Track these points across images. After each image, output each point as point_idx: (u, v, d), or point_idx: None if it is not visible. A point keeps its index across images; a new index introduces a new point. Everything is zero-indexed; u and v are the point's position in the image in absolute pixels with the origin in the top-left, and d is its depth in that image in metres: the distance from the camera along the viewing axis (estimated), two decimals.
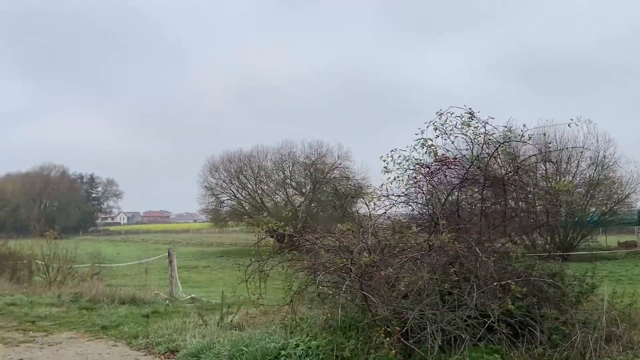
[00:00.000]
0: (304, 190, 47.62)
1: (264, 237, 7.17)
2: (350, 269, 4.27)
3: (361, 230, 4.88)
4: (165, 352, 6.03)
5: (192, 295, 13.54)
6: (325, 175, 46.37)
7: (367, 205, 6.54)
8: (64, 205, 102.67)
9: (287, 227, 6.13)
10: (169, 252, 15.05)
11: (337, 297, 4.85)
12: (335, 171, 46.44)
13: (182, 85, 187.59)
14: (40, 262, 15.44)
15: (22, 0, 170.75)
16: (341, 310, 4.70)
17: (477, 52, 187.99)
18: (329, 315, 5.03)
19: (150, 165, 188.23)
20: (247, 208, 47.71)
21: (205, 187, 48.57)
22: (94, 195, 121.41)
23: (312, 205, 46.37)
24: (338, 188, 44.55)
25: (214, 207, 49.47)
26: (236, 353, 5.00)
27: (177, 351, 5.96)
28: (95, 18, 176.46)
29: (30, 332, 7.56)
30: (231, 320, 7.04)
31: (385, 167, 6.41)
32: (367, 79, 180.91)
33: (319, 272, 4.57)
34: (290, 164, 47.25)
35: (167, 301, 11.91)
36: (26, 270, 15.85)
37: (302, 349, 4.60)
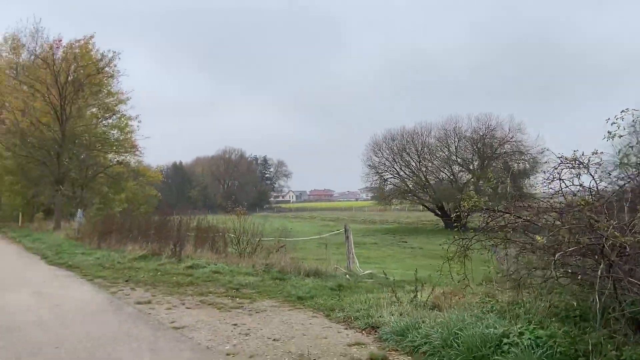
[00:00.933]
0: (471, 167, 45.26)
1: (463, 212, 6.61)
2: (602, 251, 3.58)
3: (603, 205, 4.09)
4: (366, 328, 5.96)
5: (370, 271, 13.59)
6: (494, 151, 43.37)
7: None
8: (243, 184, 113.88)
9: (490, 203, 5.52)
10: (345, 228, 15.31)
11: (573, 281, 4.17)
12: (506, 145, 43.12)
13: (339, 65, 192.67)
14: (232, 235, 17.07)
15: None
16: (574, 296, 4.03)
17: None
18: (556, 301, 4.38)
19: (314, 146, 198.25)
20: (410, 186, 47.09)
21: (369, 165, 49.14)
22: (267, 175, 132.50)
23: (480, 182, 43.85)
24: (510, 163, 41.31)
25: (377, 185, 49.86)
26: (449, 336, 4.66)
27: (378, 327, 5.85)
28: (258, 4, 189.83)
29: (237, 299, 8.21)
30: (427, 299, 6.72)
31: (611, 133, 5.34)
32: (538, 41, 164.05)
33: (555, 254, 3.93)
34: (456, 140, 45.20)
35: (347, 276, 12.11)
36: (222, 242, 17.69)
37: (529, 339, 4.05)
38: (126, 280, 9.97)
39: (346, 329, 6.10)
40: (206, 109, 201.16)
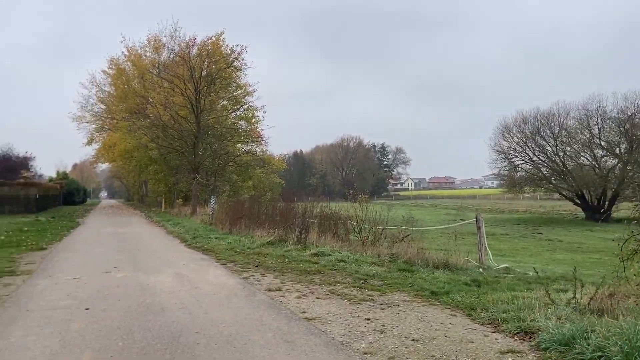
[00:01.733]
0: (617, 151, 40.19)
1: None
2: None
3: None
4: (518, 333, 5.23)
5: (506, 265, 12.48)
6: None
7: None
8: (361, 172, 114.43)
9: None
10: (477, 218, 14.28)
11: None
12: None
13: (462, 47, 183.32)
14: (353, 223, 16.88)
15: None
16: None
17: None
18: None
19: (434, 131, 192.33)
20: (545, 173, 43.22)
21: (497, 151, 46.07)
22: (385, 162, 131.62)
23: (628, 168, 38.84)
24: None
25: (506, 171, 46.57)
26: (633, 352, 3.81)
27: (533, 333, 5.09)
28: None
29: (366, 290, 7.88)
30: (589, 302, 5.75)
31: None
32: None
33: None
34: (599, 121, 40.37)
35: (481, 269, 11.20)
36: (343, 230, 17.60)
37: None
38: (256, 266, 10.19)
39: (493, 332, 5.42)
40: (325, 98, 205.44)
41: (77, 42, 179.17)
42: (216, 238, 15.26)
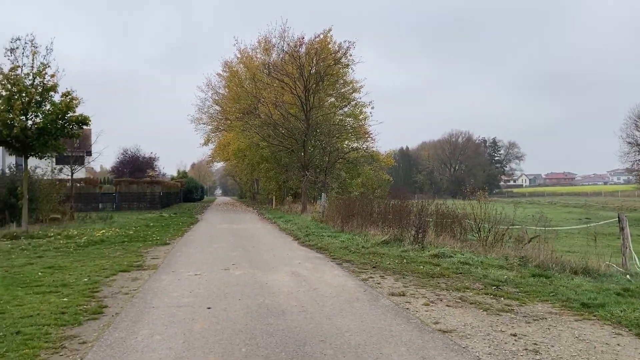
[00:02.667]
0: None
1: None
2: None
3: None
4: None
5: None
6: None
7: None
8: (470, 168, 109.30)
9: None
10: (619, 218, 12.44)
11: None
12: None
13: (578, 34, 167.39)
14: (471, 222, 15.67)
15: None
16: None
17: None
18: None
19: (550, 125, 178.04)
20: None
21: (629, 142, 41.08)
22: (496, 158, 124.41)
23: None
24: None
25: None
26: None
27: None
28: None
29: (502, 299, 6.96)
30: None
31: None
32: None
33: None
34: None
35: (627, 276, 9.59)
36: (460, 229, 16.43)
37: None
38: (373, 267, 9.63)
39: None
40: (430, 93, 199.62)
41: (196, 50, 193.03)
42: (328, 236, 14.98)
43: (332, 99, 33.82)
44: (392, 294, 7.10)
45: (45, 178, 22.14)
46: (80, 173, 40.30)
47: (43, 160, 23.14)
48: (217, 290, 7.32)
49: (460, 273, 9.05)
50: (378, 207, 16.85)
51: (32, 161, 18.27)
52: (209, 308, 6.23)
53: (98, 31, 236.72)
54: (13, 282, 7.81)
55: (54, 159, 24.41)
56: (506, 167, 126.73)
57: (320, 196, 23.24)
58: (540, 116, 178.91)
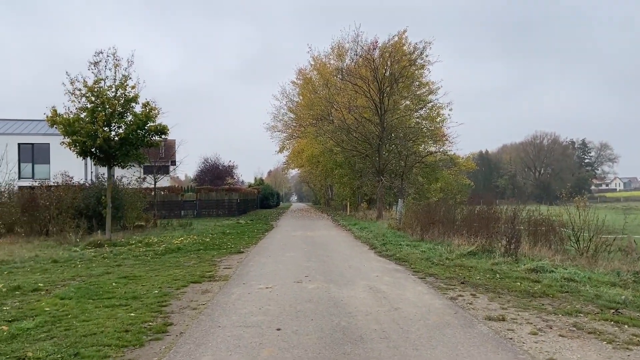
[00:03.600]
0: None
1: None
2: None
3: None
4: None
5: None
6: None
7: None
8: (557, 171, 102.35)
9: None
10: None
11: None
12: None
13: None
14: (567, 230, 14.01)
15: None
16: None
17: None
18: None
19: None
20: None
21: None
22: (586, 160, 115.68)
23: None
24: None
25: None
26: None
27: None
28: None
29: (626, 326, 5.74)
30: None
31: None
32: None
33: None
34: None
35: None
36: (556, 238, 14.78)
37: None
38: (462, 283, 8.58)
39: None
40: (510, 95, 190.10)
41: (271, 62, 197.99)
42: (407, 245, 14.00)
43: (407, 102, 32.66)
44: (489, 318, 6.08)
45: (130, 187, 22.92)
46: (164, 182, 42.21)
47: (130, 170, 24.28)
48: (289, 308, 6.69)
49: (567, 292, 7.80)
50: (461, 214, 15.60)
51: (119, 171, 18.90)
52: (278, 329, 5.59)
53: (180, 49, 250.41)
54: (86, 294, 7.68)
55: (141, 169, 25.33)
56: (597, 170, 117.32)
57: (397, 202, 22.20)
58: (636, 115, 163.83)
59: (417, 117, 32.69)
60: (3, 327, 5.67)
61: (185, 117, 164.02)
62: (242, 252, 13.74)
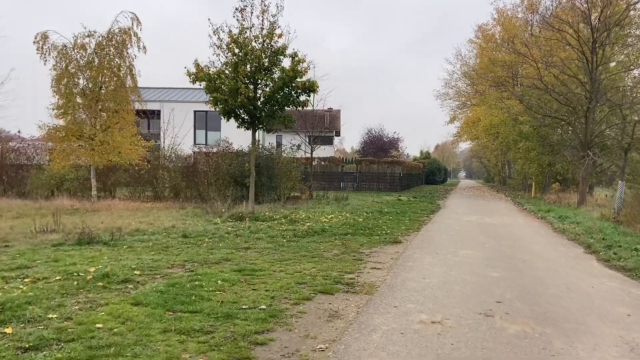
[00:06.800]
0: None
1: None
2: None
3: None
4: None
5: None
6: None
7: None
8: None
9: None
10: None
11: None
12: None
13: None
14: None
15: None
16: None
17: None
18: None
19: None
20: None
21: None
22: None
23: None
24: None
25: None
26: None
27: None
28: None
29: None
30: None
31: None
32: None
33: None
34: None
35: None
36: None
37: None
38: None
39: None
40: None
41: (447, 33, 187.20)
42: None
43: (622, 56, 25.37)
44: None
45: (285, 156, 21.38)
46: (329, 152, 41.03)
47: (295, 139, 22.97)
48: None
49: None
50: None
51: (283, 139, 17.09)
52: None
53: (353, 27, 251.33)
54: (171, 300, 5.33)
55: (305, 137, 23.80)
56: None
57: (617, 185, 16.60)
58: None
59: (634, 78, 25.13)
60: None
61: (350, 93, 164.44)
62: (400, 242, 10.58)
